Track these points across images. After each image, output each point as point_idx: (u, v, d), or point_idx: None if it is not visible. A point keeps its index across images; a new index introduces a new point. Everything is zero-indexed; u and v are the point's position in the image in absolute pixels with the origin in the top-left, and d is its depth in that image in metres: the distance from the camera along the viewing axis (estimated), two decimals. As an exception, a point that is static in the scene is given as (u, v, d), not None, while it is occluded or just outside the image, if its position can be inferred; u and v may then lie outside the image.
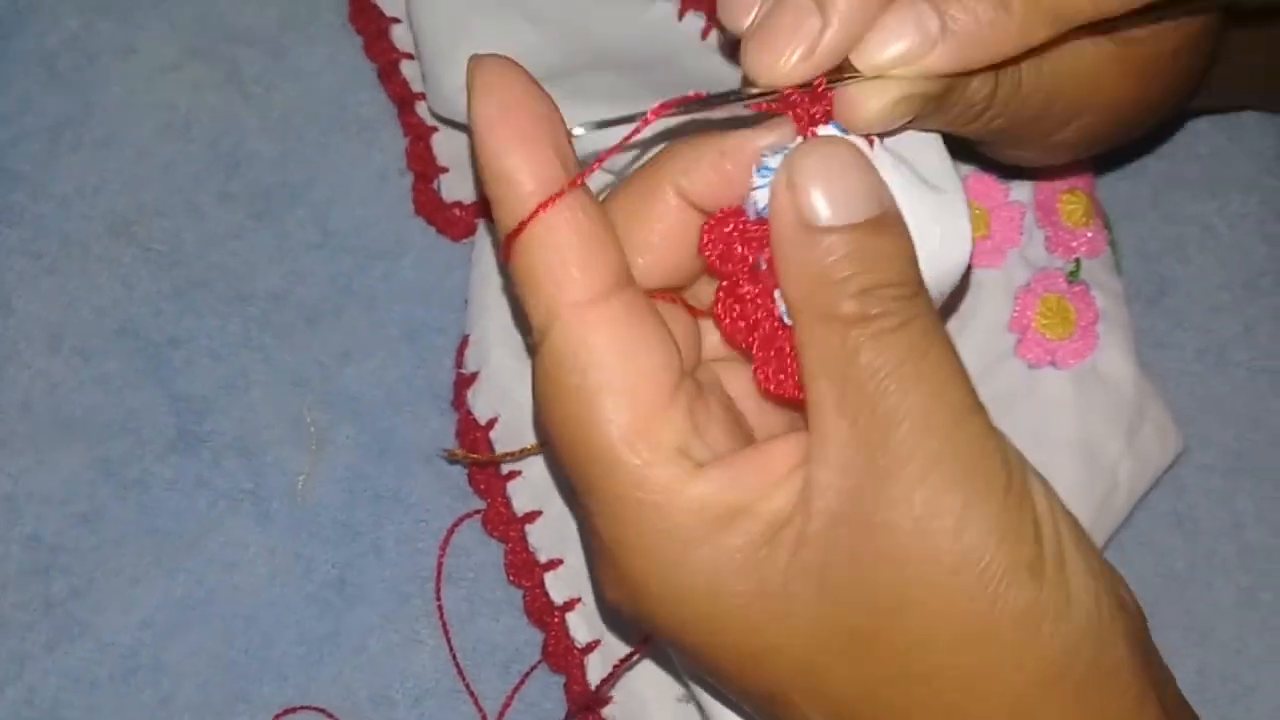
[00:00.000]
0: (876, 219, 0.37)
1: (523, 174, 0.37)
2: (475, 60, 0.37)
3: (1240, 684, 0.55)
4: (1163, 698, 0.38)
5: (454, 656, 0.53)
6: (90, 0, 0.59)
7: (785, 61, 0.38)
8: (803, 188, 0.36)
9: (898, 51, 0.38)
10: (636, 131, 0.38)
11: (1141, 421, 0.54)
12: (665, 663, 0.51)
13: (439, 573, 0.54)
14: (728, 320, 0.39)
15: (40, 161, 0.57)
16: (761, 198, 0.38)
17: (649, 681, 0.51)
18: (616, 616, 0.42)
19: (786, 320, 0.38)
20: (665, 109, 0.38)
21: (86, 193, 0.57)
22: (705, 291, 0.42)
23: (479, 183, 0.37)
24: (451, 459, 0.54)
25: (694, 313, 0.42)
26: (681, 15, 0.57)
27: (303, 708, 0.52)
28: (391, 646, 0.53)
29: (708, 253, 0.39)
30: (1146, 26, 0.42)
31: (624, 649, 0.51)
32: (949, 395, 0.36)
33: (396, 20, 0.59)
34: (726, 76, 0.56)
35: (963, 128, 0.42)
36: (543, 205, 0.36)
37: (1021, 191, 0.55)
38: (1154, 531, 0.57)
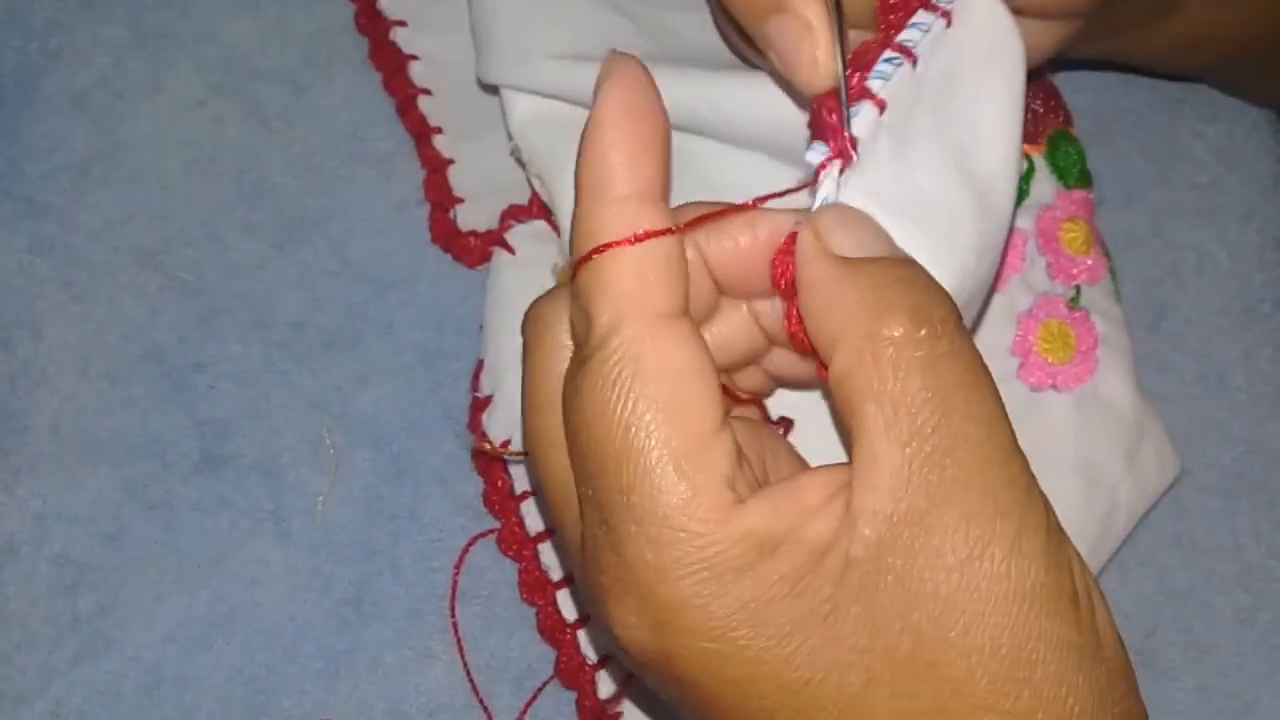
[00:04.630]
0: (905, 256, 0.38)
1: (620, 176, 0.37)
2: (614, 55, 0.38)
3: (1240, 700, 0.55)
4: None
5: (468, 672, 0.54)
6: (119, 40, 0.61)
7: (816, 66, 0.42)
8: (827, 234, 0.38)
9: None
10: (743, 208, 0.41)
11: (1141, 443, 0.55)
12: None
13: (453, 591, 0.55)
14: (803, 331, 0.40)
15: (71, 195, 0.59)
16: None
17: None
18: (624, 654, 0.38)
19: None
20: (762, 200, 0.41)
21: (115, 224, 0.59)
22: None
23: (578, 169, 0.38)
24: (479, 451, 0.55)
25: None
26: None
27: (321, 721, 0.53)
28: (407, 662, 0.54)
29: (779, 278, 0.40)
30: None
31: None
32: (998, 430, 0.36)
33: (414, 57, 0.60)
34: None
35: None
36: (650, 234, 0.37)
37: (1024, 219, 0.56)
38: (1155, 551, 0.57)
